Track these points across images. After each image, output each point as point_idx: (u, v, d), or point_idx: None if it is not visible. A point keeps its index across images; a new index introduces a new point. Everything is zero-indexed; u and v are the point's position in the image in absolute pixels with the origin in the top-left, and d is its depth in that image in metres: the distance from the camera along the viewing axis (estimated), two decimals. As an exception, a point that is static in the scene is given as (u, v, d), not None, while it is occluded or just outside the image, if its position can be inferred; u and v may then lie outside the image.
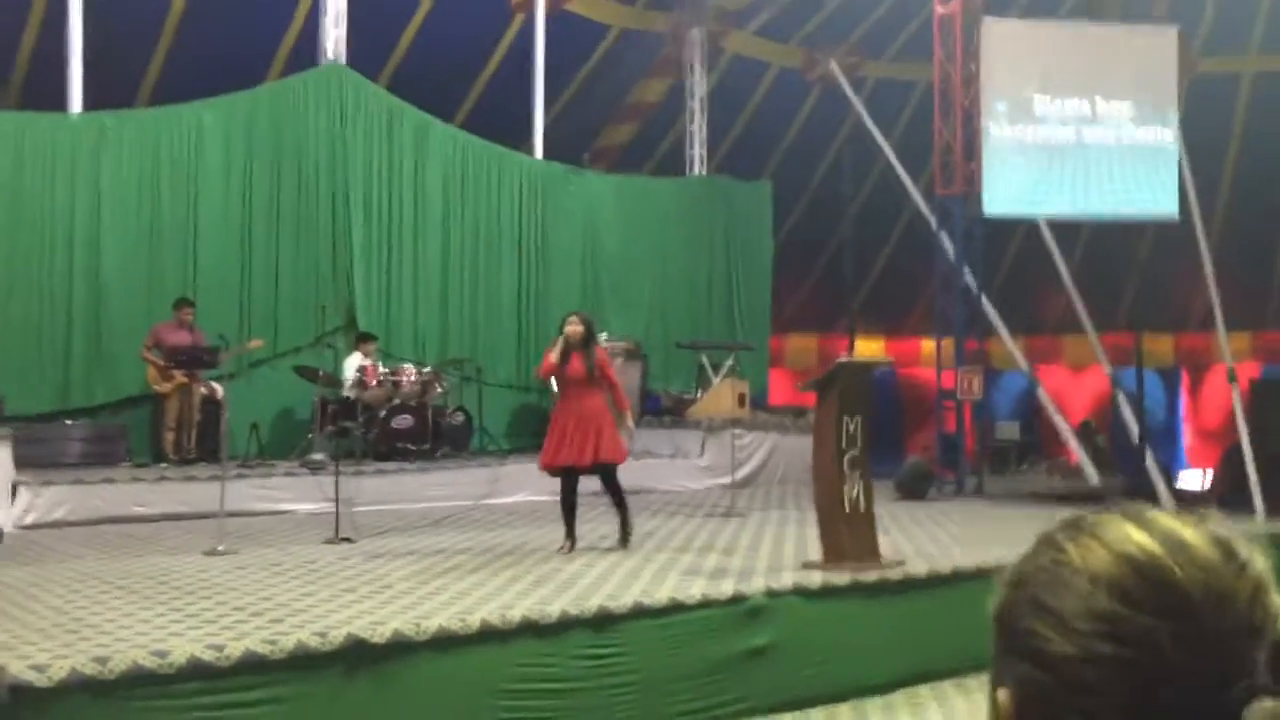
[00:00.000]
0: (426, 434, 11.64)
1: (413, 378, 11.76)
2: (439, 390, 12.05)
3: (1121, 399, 16.28)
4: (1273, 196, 16.89)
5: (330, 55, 12.39)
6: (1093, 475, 15.50)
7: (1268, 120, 16.50)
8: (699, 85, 15.81)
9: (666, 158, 16.49)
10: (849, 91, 16.35)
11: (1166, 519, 0.79)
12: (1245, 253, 16.74)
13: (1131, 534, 0.77)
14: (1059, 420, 16.40)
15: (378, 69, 13.33)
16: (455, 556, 7.68)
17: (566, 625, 5.72)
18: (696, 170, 15.94)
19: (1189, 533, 0.77)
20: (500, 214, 13.73)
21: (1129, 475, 15.03)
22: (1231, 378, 15.97)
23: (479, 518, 10.00)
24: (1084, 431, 16.70)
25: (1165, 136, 14.50)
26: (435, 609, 5.77)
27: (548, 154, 14.28)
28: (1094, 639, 0.74)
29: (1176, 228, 15.24)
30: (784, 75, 16.78)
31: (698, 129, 15.90)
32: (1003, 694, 0.78)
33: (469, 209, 13.43)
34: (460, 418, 12.39)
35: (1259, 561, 0.77)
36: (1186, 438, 18.95)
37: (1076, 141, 14.20)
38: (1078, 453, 16.02)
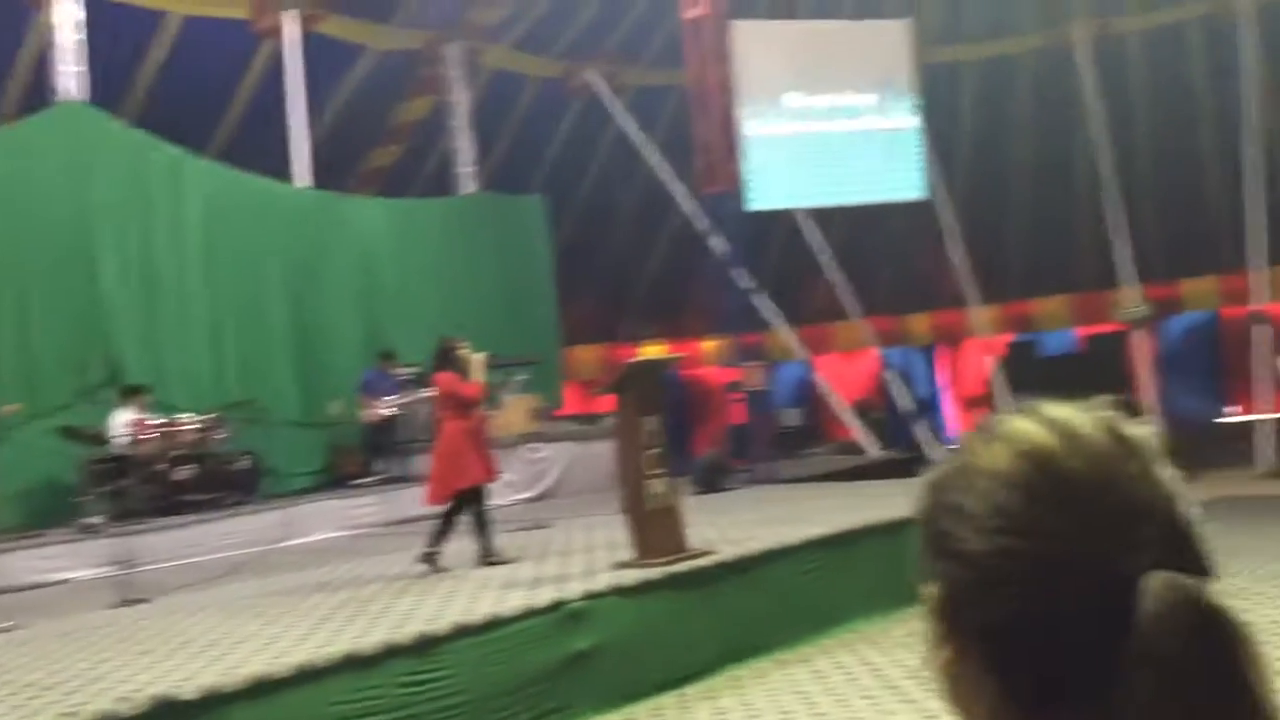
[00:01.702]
0: (212, 482, 11.15)
1: (191, 426, 11.23)
2: (220, 436, 11.55)
3: (890, 377, 17.20)
4: (1004, 175, 18.20)
5: (66, 93, 11.69)
6: (872, 449, 16.30)
7: (991, 102, 17.75)
8: (461, 102, 15.74)
9: (434, 177, 16.34)
10: (610, 100, 16.63)
11: (1062, 412, 0.83)
12: (984, 230, 17.93)
13: (1027, 429, 0.82)
14: (836, 403, 17.17)
15: (121, 104, 12.68)
16: (259, 602, 7.38)
17: (387, 654, 5.59)
18: (466, 188, 15.86)
19: (1081, 421, 0.82)
20: (268, 247, 13.26)
21: (904, 445, 15.90)
22: (986, 349, 17.12)
23: (278, 561, 9.63)
24: (860, 411, 17.54)
25: (906, 123, 15.41)
26: (246, 656, 5.54)
27: (313, 181, 13.91)
28: (1001, 535, 0.78)
29: (923, 211, 16.21)
30: (545, 87, 16.92)
31: (464, 146, 15.83)
32: (932, 589, 0.83)
33: (233, 244, 12.89)
34: (246, 462, 11.92)
35: (1149, 442, 0.82)
36: (949, 407, 20.13)
37: (827, 133, 14.92)
38: (856, 431, 16.81)
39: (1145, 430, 0.83)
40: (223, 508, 11.00)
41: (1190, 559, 0.78)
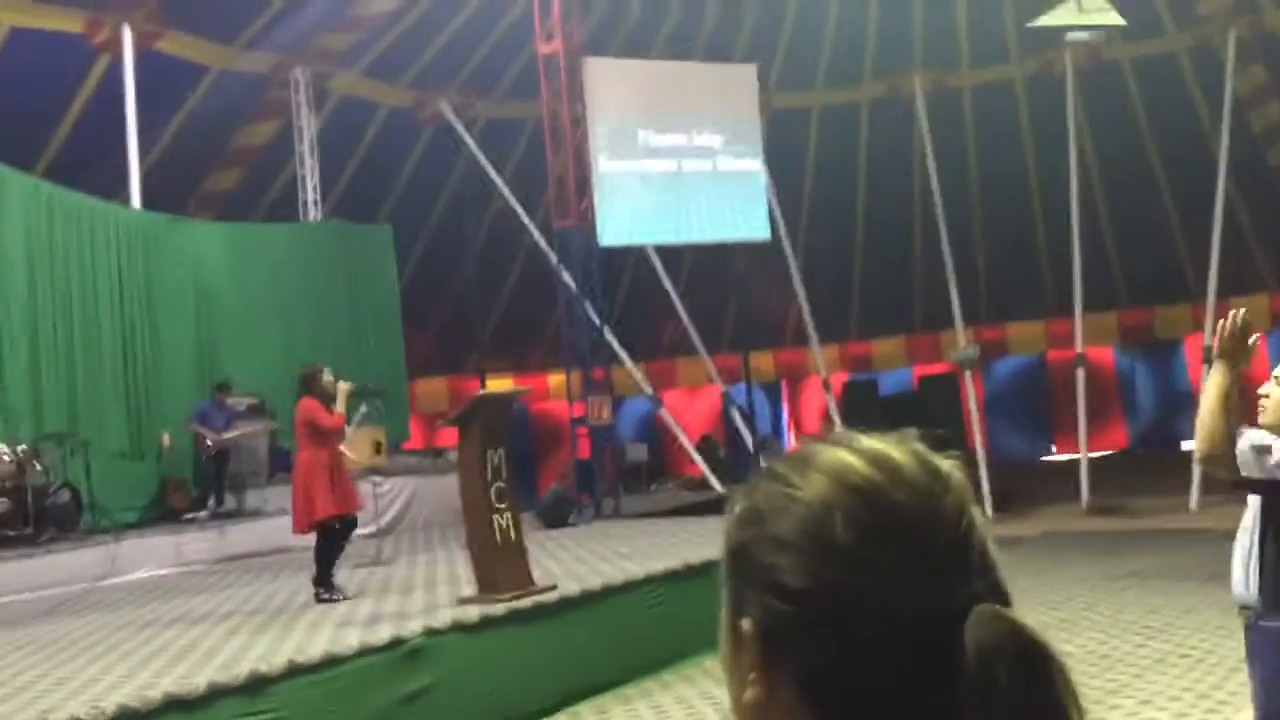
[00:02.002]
0: (27, 517, 10.53)
1: (4, 458, 10.61)
2: (38, 468, 10.94)
3: (734, 413, 17.46)
4: (846, 218, 18.79)
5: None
6: (716, 485, 16.49)
7: (835, 147, 18.32)
8: (307, 127, 15.41)
9: (279, 203, 15.94)
10: (461, 130, 16.53)
11: (872, 442, 0.82)
12: (827, 271, 18.46)
13: (847, 460, 0.80)
14: (681, 438, 17.33)
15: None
16: (77, 643, 7.00)
17: (215, 695, 5.36)
18: (312, 215, 15.51)
19: (896, 453, 0.80)
20: (96, 270, 12.63)
21: (747, 481, 16.15)
22: (826, 387, 17.55)
23: (99, 600, 9.16)
24: (704, 446, 17.75)
25: (752, 165, 15.77)
26: (61, 700, 5.23)
27: (147, 203, 13.37)
28: (828, 568, 0.76)
29: (768, 253, 16.58)
30: (395, 116, 16.72)
31: (309, 172, 15.49)
32: (747, 624, 0.79)
33: (59, 267, 12.23)
34: (66, 495, 11.30)
35: (958, 476, 0.81)
36: (790, 442, 20.57)
37: (677, 172, 15.13)
38: (701, 466, 17.00)
39: (954, 464, 0.82)
40: (38, 544, 10.40)
41: (999, 592, 0.77)
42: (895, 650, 0.74)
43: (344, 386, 8.01)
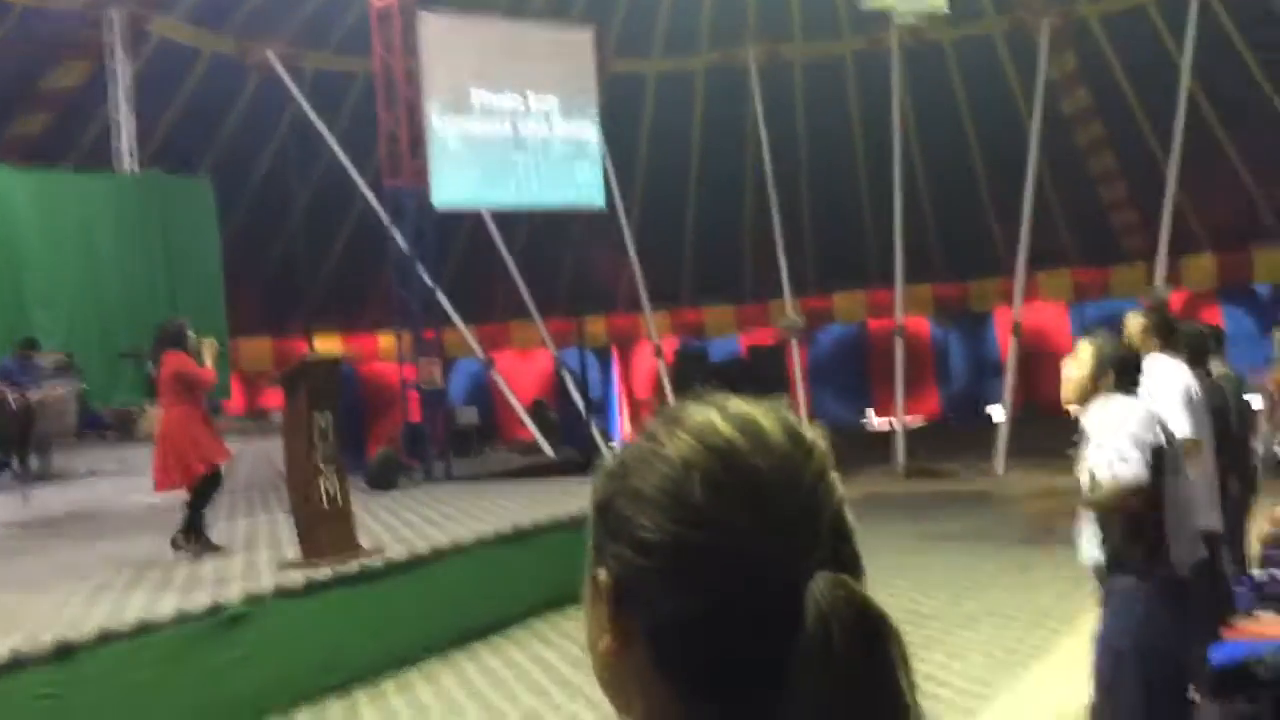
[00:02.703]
0: None
1: None
2: None
3: (566, 377, 17.53)
4: (679, 186, 18.98)
5: None
6: (548, 449, 16.54)
7: (670, 115, 18.47)
8: (122, 71, 14.62)
9: (91, 151, 15.11)
10: (289, 82, 15.98)
11: (743, 406, 0.84)
12: (660, 238, 18.63)
13: (714, 422, 0.82)
14: (513, 401, 17.30)
15: None
16: None
17: (19, 664, 5.12)
18: (126, 164, 14.75)
19: (764, 419, 0.83)
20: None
21: (578, 445, 16.23)
22: (658, 353, 17.79)
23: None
24: (536, 410, 17.76)
25: (589, 131, 15.75)
26: None
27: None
28: (683, 526, 0.78)
29: (603, 217, 16.64)
30: (218, 63, 16.03)
31: (124, 119, 14.71)
32: (603, 573, 0.81)
33: None
34: None
35: (821, 445, 0.84)
36: (621, 409, 20.77)
37: (513, 134, 14.99)
38: (532, 430, 17.01)
39: (820, 433, 0.85)
40: None
41: (849, 561, 0.80)
42: (739, 609, 0.76)
43: (210, 342, 7.85)
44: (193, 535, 7.81)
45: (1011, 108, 17.43)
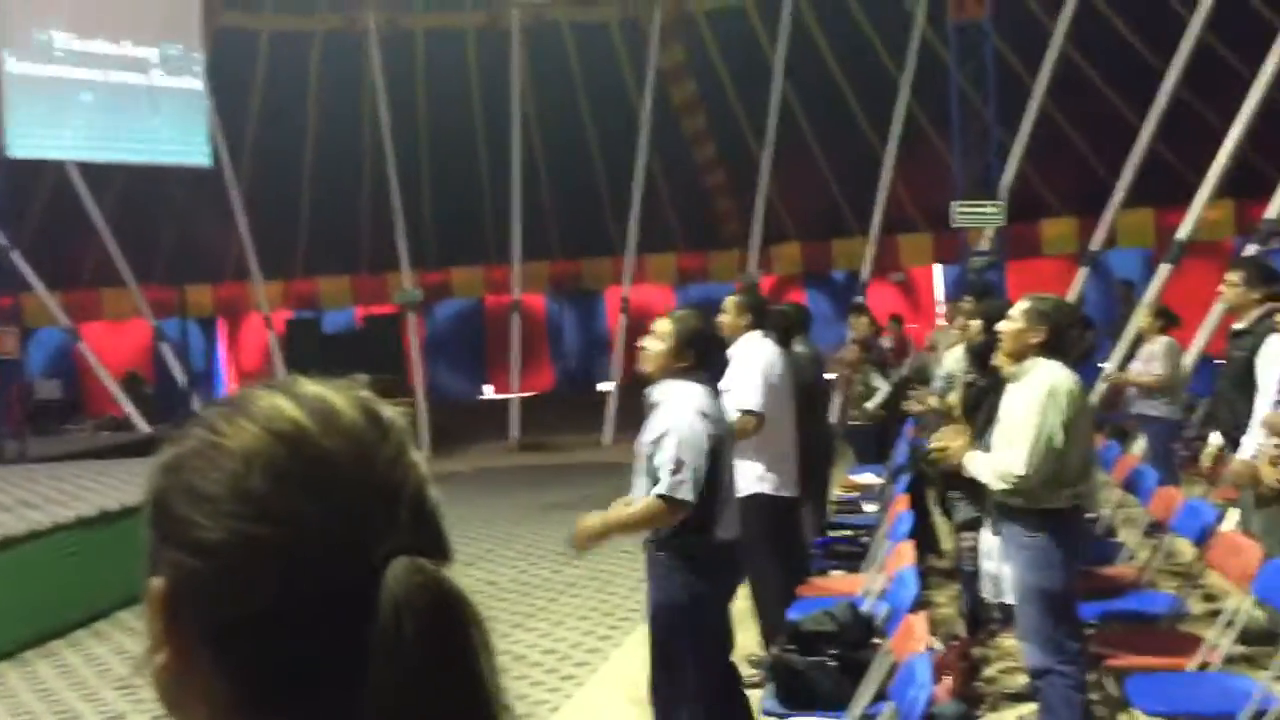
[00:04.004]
0: None
1: None
2: None
3: (165, 349, 16.42)
4: (295, 152, 18.23)
5: None
6: (142, 425, 15.43)
7: (285, 76, 17.68)
8: None
9: None
10: None
11: (315, 387, 0.79)
12: (273, 205, 17.82)
13: (281, 406, 0.76)
14: (103, 374, 16.00)
15: None
16: None
17: None
18: None
19: (337, 400, 0.78)
20: None
21: (177, 421, 15.27)
22: (268, 324, 17.05)
23: None
24: (129, 383, 16.51)
25: (194, 85, 14.77)
26: None
27: None
28: (245, 522, 0.72)
29: (210, 179, 15.69)
30: None
31: None
32: (156, 583, 0.74)
33: None
34: None
35: (400, 424, 0.80)
36: (227, 381, 19.76)
37: (105, 83, 13.79)
38: (124, 405, 15.81)
39: (399, 410, 0.81)
40: None
41: (433, 543, 0.77)
42: (308, 606, 0.72)
43: None
44: None
45: (625, 95, 18.10)
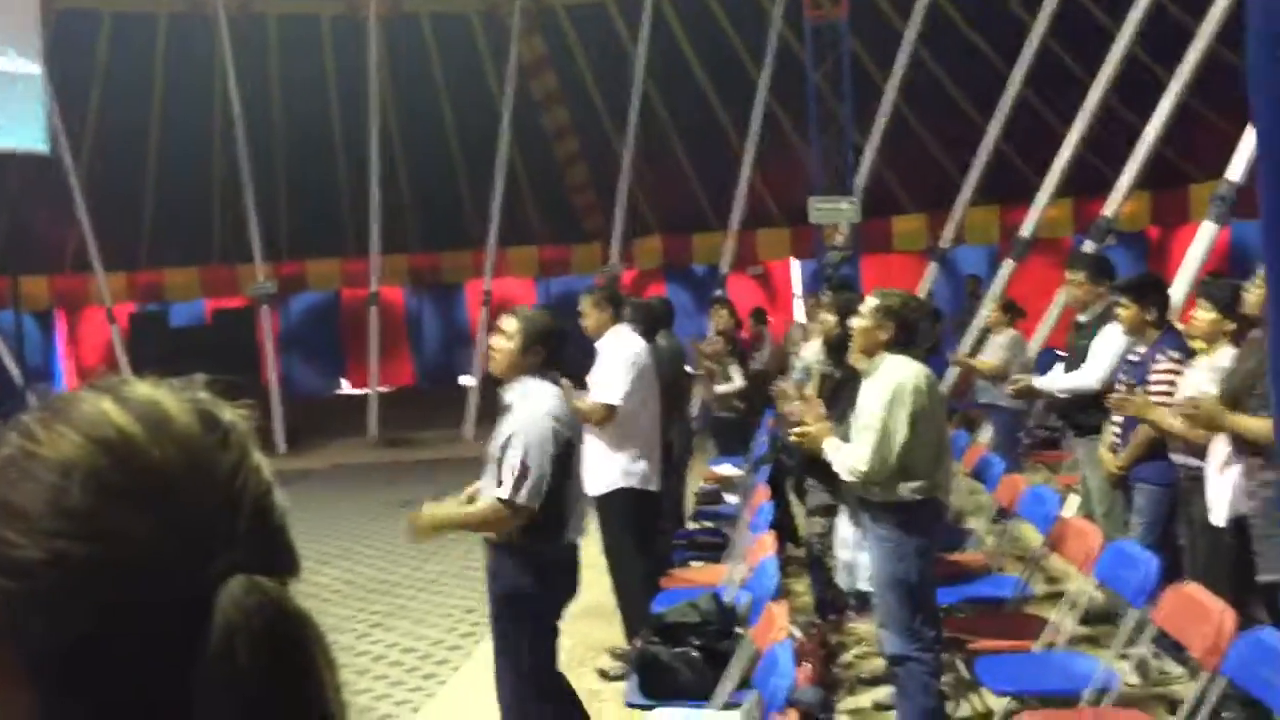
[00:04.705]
0: None
1: None
2: None
3: (-2, 342, 15.64)
4: (139, 139, 17.52)
5: None
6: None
7: (128, 60, 16.97)
8: None
9: None
10: None
11: (146, 390, 0.73)
12: (117, 193, 17.11)
13: (106, 412, 0.71)
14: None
15: None
16: None
17: None
18: None
19: (170, 404, 0.73)
20: None
21: (9, 417, 14.55)
22: (110, 318, 16.37)
23: None
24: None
25: (30, 68, 14.07)
26: None
27: None
28: (64, 540, 0.67)
29: (47, 166, 14.97)
30: None
31: None
32: None
33: None
34: None
35: (241, 428, 0.75)
36: (65, 378, 18.92)
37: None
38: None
39: (241, 413, 0.76)
40: None
41: (278, 557, 0.72)
42: (136, 631, 0.67)
43: None
44: None
45: (486, 87, 17.93)
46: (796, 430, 4.84)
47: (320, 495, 11.45)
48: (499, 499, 3.95)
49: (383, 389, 16.10)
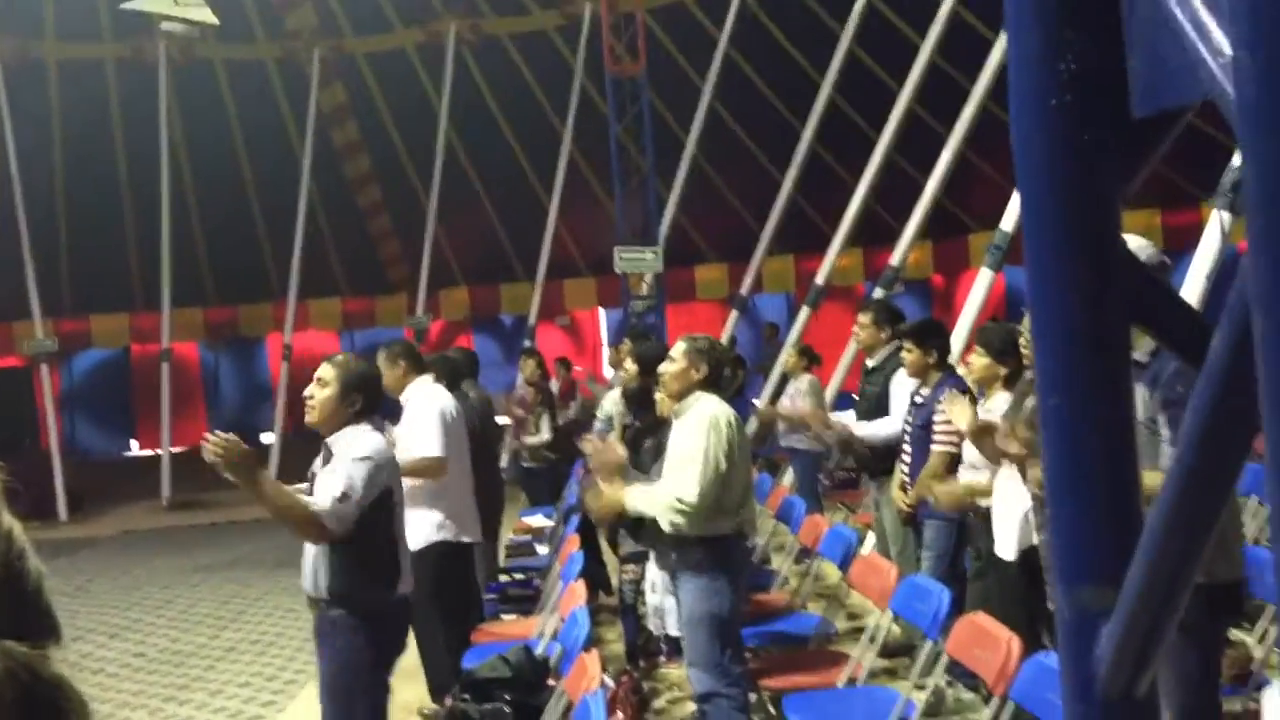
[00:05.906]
0: None
1: None
2: None
3: None
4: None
5: None
6: None
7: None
8: None
9: None
10: None
11: None
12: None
13: None
14: None
15: None
16: None
17: None
18: None
19: None
20: None
21: None
22: None
23: None
24: None
25: None
26: None
27: None
28: None
29: None
30: None
31: None
32: None
33: None
34: None
35: None
36: None
37: None
38: None
39: None
40: None
41: (35, 622, 0.70)
42: None
43: None
44: None
45: (284, 135, 17.52)
46: (591, 510, 4.84)
47: (109, 563, 10.82)
48: (315, 510, 3.78)
49: (175, 449, 15.34)
